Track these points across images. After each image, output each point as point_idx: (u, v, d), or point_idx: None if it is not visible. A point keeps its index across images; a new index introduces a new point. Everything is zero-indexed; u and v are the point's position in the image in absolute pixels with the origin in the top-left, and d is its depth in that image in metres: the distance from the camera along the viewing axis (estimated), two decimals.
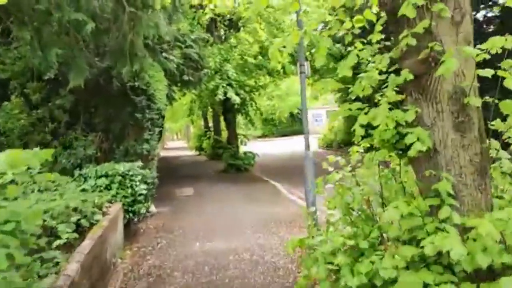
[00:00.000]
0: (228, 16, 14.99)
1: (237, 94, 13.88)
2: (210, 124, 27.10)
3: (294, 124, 49.63)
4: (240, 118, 18.85)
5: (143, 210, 7.46)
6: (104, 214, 6.04)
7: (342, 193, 3.92)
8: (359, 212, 3.71)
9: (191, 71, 10.91)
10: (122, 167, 7.26)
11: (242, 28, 15.38)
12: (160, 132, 15.52)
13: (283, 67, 15.63)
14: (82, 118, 8.15)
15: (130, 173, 7.27)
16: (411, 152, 2.92)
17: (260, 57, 14.83)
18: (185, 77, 10.67)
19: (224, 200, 11.10)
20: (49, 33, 6.43)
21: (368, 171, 3.90)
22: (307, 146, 7.41)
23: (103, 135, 8.02)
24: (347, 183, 4.15)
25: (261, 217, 8.94)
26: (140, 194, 7.28)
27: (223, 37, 15.29)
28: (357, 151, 4.50)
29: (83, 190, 6.62)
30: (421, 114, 3.10)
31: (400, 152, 3.31)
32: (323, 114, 50.12)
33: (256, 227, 8.12)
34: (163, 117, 11.58)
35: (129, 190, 7.19)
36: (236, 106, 16.50)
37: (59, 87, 7.46)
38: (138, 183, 7.34)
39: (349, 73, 3.68)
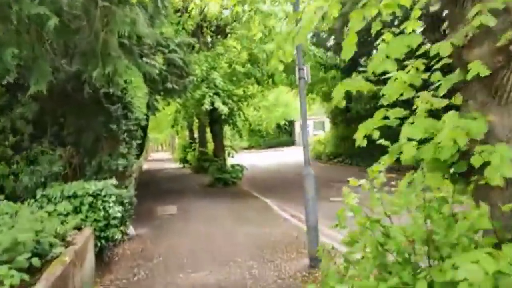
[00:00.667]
0: (215, 21, 14.14)
1: (225, 104, 12.98)
2: (196, 135, 26.12)
3: (281, 136, 48.91)
4: (227, 129, 17.95)
5: (118, 235, 6.45)
6: (68, 244, 5.04)
7: (370, 227, 3.01)
8: (396, 256, 2.80)
9: (175, 78, 9.97)
10: (93, 186, 6.26)
11: (229, 35, 14.55)
12: (140, 145, 14.54)
13: (271, 76, 14.82)
14: (49, 129, 7.13)
15: (103, 193, 6.26)
16: (491, 179, 2.02)
17: (248, 65, 13.98)
18: (169, 85, 9.73)
19: (211, 219, 10.11)
20: (6, 30, 5.47)
21: (404, 199, 3.00)
22: (307, 161, 6.49)
23: (73, 149, 7.02)
24: (372, 213, 3.25)
25: (253, 241, 7.98)
26: (114, 217, 6.28)
27: (210, 44, 14.42)
28: (380, 172, 3.60)
29: (47, 214, 5.59)
30: (493, 124, 2.21)
31: (458, 176, 2.43)
32: (310, 125, 49.43)
33: (248, 253, 7.15)
34: (144, 128, 10.61)
35: (102, 213, 6.18)
36: (223, 117, 15.59)
37: (21, 94, 6.45)
38: (112, 204, 6.33)
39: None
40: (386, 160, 3.50)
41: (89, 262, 5.60)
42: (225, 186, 15.56)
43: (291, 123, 49.57)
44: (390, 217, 3.07)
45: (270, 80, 14.96)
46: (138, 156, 16.08)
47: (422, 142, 2.51)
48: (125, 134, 6.84)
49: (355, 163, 21.21)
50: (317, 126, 49.45)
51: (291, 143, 49.17)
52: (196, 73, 11.39)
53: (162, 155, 54.25)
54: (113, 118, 6.60)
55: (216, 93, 12.90)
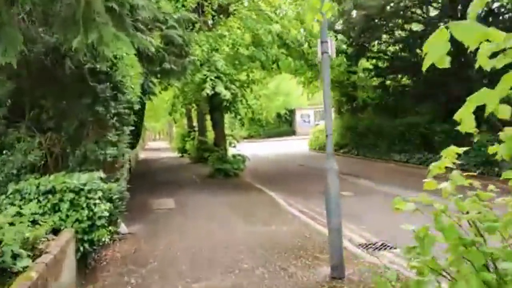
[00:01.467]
0: (217, 0, 13.05)
1: (227, 89, 11.96)
2: (195, 123, 25.10)
3: (281, 125, 47.91)
4: (226, 117, 16.92)
5: (105, 238, 5.48)
6: (40, 253, 4.07)
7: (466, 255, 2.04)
8: None
9: (173, 58, 8.95)
10: (75, 179, 5.27)
11: (232, 15, 13.47)
12: (136, 132, 13.57)
13: (276, 61, 13.78)
14: (28, 113, 6.12)
15: (87, 187, 5.29)
16: None
17: (253, 48, 12.92)
18: (166, 65, 8.70)
19: (213, 216, 9.15)
20: None
21: None
22: (331, 153, 5.50)
23: (54, 135, 6.01)
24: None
25: (260, 241, 7.03)
26: (100, 217, 5.30)
27: (211, 24, 13.36)
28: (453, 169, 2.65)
29: (16, 214, 4.62)
30: None
31: None
32: (311, 115, 48.47)
33: (257, 258, 6.20)
34: (138, 113, 9.62)
35: (85, 212, 5.21)
36: (224, 104, 14.56)
37: None
38: (98, 201, 5.36)
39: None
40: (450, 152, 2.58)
41: (68, 272, 4.63)
42: (226, 177, 14.60)
43: (292, 112, 48.56)
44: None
45: (275, 65, 13.92)
46: (132, 144, 15.10)
47: None
48: (115, 118, 5.84)
49: (362, 154, 20.28)
50: (318, 116, 48.44)
51: (291, 133, 48.19)
52: (196, 55, 10.34)
53: (160, 144, 53.21)
54: (100, 100, 5.60)
55: (218, 77, 11.88)
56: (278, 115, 47.80)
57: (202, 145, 20.89)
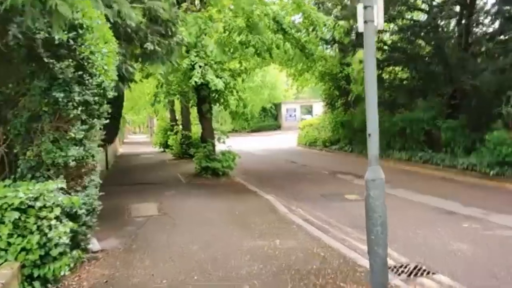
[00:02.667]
0: None
1: (219, 78, 10.49)
2: (178, 116, 23.54)
3: (267, 119, 46.57)
4: (214, 110, 15.42)
5: (63, 272, 4.01)
6: None
7: None
8: None
9: (157, 37, 7.45)
10: (23, 192, 3.79)
11: None
12: (114, 125, 12.17)
13: (269, 49, 12.34)
14: None
15: (39, 203, 3.82)
16: None
17: (246, 33, 11.45)
18: (149, 46, 7.20)
19: (203, 226, 7.71)
20: None
21: None
22: (374, 158, 4.13)
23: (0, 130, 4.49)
24: None
25: (266, 263, 5.64)
26: (58, 244, 3.84)
27: (199, 4, 11.85)
28: None
29: None
30: None
31: None
32: (297, 109, 47.26)
33: None
34: (114, 102, 8.11)
35: (36, 238, 3.74)
36: (214, 95, 13.10)
37: None
38: (55, 221, 3.90)
39: None
40: None
41: None
42: (215, 176, 13.16)
43: (277, 106, 47.21)
44: None
45: (267, 54, 12.49)
46: (108, 139, 13.53)
47: None
48: (80, 108, 4.35)
49: (356, 151, 19.04)
50: (305, 110, 47.32)
51: (276, 127, 46.92)
52: (183, 36, 8.82)
53: (140, 138, 51.37)
54: (60, 83, 4.11)
55: (208, 64, 10.41)
56: (263, 109, 46.46)
57: (186, 140, 19.40)
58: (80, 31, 4.28)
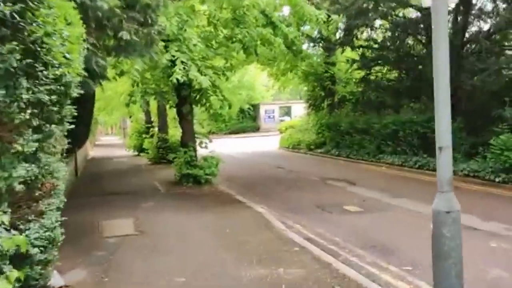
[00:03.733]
0: None
1: (204, 75, 9.29)
2: (153, 118, 22.16)
3: (245, 121, 45.40)
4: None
5: None
6: None
7: None
8: None
9: (134, 26, 6.24)
10: None
11: None
12: (84, 130, 10.94)
13: (255, 46, 11.21)
14: None
15: None
16: None
17: (233, 26, 10.32)
18: (124, 35, 5.99)
19: (190, 248, 6.53)
20: None
21: None
22: (447, 183, 3.05)
23: None
24: None
25: None
26: None
27: None
28: None
29: None
30: None
31: None
32: (276, 110, 46.32)
33: None
34: (82, 102, 6.87)
35: None
36: (195, 95, 11.90)
37: None
38: None
39: None
40: None
41: None
42: (197, 184, 11.95)
43: (255, 107, 46.11)
44: None
45: (254, 51, 11.39)
46: (76, 146, 12.27)
47: None
48: (30, 111, 3.12)
49: (344, 155, 18.12)
50: (283, 111, 46.45)
51: (255, 128, 45.83)
52: (163, 27, 7.60)
53: (112, 140, 49.45)
54: (0, 75, 2.90)
55: (191, 60, 9.22)
56: (241, 110, 45.20)
57: (163, 143, 18.09)
58: (31, 3, 3.07)
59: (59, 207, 4.34)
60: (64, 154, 4.70)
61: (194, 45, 9.30)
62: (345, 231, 7.56)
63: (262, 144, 29.13)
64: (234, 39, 10.37)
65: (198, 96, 11.79)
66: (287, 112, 46.66)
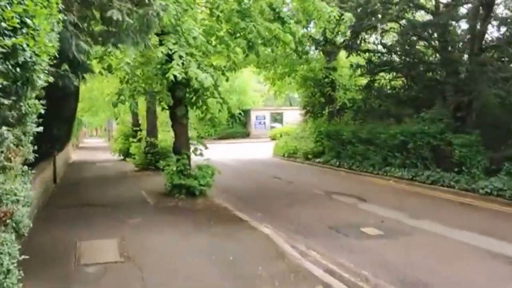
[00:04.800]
0: None
1: (206, 73, 8.02)
2: (141, 120, 20.76)
3: (235, 126, 44.12)
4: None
5: None
6: None
7: None
8: None
9: (127, 4, 4.98)
10: None
11: None
12: (66, 132, 9.92)
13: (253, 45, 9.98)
14: None
15: None
16: None
17: (237, 20, 9.11)
18: (115, 15, 4.73)
19: (189, 285, 5.26)
20: None
21: None
22: None
23: None
24: None
25: None
26: None
27: None
28: None
29: None
30: None
31: None
32: (267, 116, 45.17)
33: None
34: (63, 99, 5.65)
35: None
36: (191, 96, 10.65)
37: None
38: None
39: None
40: None
41: None
42: (190, 196, 10.65)
43: (246, 112, 44.84)
44: None
45: (260, 49, 10.21)
46: (55, 149, 10.99)
47: None
48: None
49: (346, 165, 16.98)
50: (275, 118, 45.34)
51: (245, 134, 44.59)
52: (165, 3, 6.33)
53: (97, 142, 47.73)
54: None
55: (190, 55, 7.96)
56: (232, 115, 43.94)
57: (151, 148, 16.73)
58: None
59: (12, 242, 3.07)
60: (27, 167, 3.41)
61: (194, 38, 8.04)
62: (371, 261, 6.36)
63: (254, 151, 27.90)
64: (238, 35, 9.16)
65: (194, 98, 10.54)
66: (278, 118, 45.55)
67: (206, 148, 11.49)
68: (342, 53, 21.23)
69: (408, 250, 6.91)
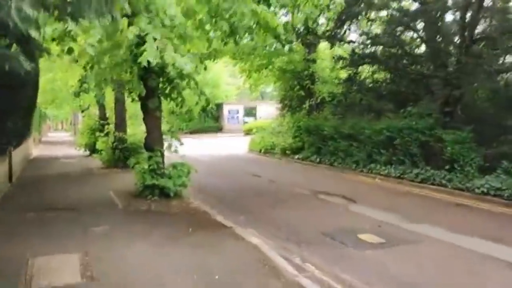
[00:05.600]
0: None
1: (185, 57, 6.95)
2: (109, 113, 19.36)
3: (207, 121, 42.92)
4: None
5: None
6: None
7: None
8: None
9: None
10: None
11: None
12: (25, 124, 8.89)
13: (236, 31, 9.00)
14: None
15: None
16: None
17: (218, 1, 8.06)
18: None
19: None
20: None
21: None
22: None
23: None
24: None
25: None
26: None
27: None
28: None
29: None
30: None
31: None
32: (240, 110, 44.15)
33: None
34: (20, 89, 4.56)
35: None
36: (165, 86, 9.57)
37: None
38: None
39: None
40: None
41: None
42: (164, 198, 9.58)
43: (219, 106, 43.71)
44: None
45: (241, 34, 9.20)
46: (11, 145, 9.92)
47: None
48: None
49: (327, 162, 16.22)
50: (248, 112, 44.38)
51: (218, 129, 43.46)
52: None
53: (62, 136, 45.58)
54: None
55: (166, 37, 6.87)
56: (203, 109, 42.67)
57: (120, 144, 15.47)
58: None
59: None
60: None
61: (172, 17, 6.95)
62: (378, 276, 5.51)
63: (228, 146, 26.91)
64: (222, 17, 8.12)
65: (169, 88, 9.45)
66: (250, 112, 44.58)
67: (181, 143, 10.38)
68: (322, 45, 20.47)
69: (418, 262, 6.10)
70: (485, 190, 9.97)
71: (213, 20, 8.39)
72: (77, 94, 7.57)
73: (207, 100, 9.89)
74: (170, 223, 7.78)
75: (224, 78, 44.42)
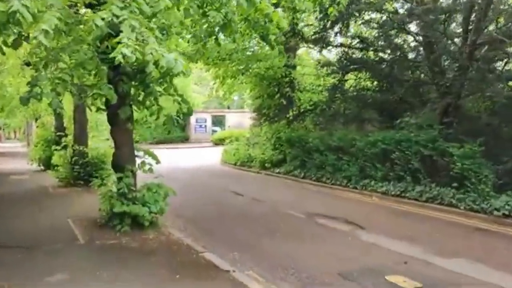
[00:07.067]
0: None
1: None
2: (67, 123, 17.20)
3: (173, 130, 40.84)
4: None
5: None
6: None
7: None
8: None
9: None
10: None
11: None
12: None
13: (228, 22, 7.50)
14: None
15: None
16: None
17: None
18: None
19: None
20: None
21: None
22: None
23: None
24: None
25: None
26: None
27: None
28: None
29: None
30: None
31: None
32: (208, 119, 42.38)
33: None
34: None
35: None
36: (138, 92, 7.89)
37: None
38: None
39: None
40: None
41: None
42: (136, 227, 7.84)
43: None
44: None
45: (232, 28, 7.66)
46: None
47: None
48: None
49: (311, 177, 14.83)
50: (216, 121, 42.70)
51: (184, 139, 41.45)
52: None
53: (14, 147, 42.26)
54: None
55: (147, 27, 5.24)
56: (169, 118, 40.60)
57: (80, 158, 13.44)
58: None
59: None
60: None
61: (152, 5, 5.33)
62: None
63: (198, 158, 25.15)
64: (210, 7, 6.55)
65: (143, 95, 7.76)
66: (219, 121, 42.89)
67: (158, 162, 8.63)
68: (301, 50, 19.22)
69: None
70: (507, 212, 8.80)
71: (201, 10, 6.79)
72: (25, 101, 5.74)
73: (189, 108, 8.24)
74: (148, 266, 6.06)
75: (191, 86, 42.61)
